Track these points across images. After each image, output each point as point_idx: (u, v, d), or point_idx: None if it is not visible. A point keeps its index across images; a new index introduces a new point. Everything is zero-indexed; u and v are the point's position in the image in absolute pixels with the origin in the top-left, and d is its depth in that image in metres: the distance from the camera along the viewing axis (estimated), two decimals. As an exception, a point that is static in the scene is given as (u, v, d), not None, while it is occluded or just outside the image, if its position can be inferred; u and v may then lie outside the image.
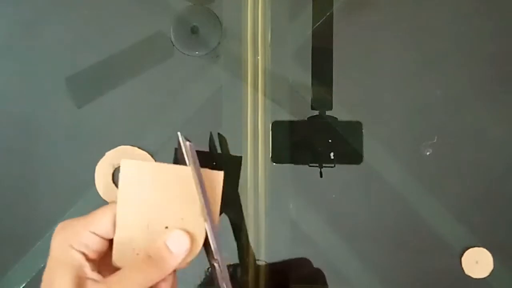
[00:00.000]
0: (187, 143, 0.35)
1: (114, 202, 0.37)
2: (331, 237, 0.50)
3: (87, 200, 0.49)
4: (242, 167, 0.49)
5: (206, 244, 0.37)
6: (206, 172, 0.38)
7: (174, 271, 0.37)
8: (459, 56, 0.50)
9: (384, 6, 0.50)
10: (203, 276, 0.49)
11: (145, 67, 0.50)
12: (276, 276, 0.49)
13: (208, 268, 0.49)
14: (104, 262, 0.37)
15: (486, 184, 0.50)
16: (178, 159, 0.41)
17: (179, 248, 0.36)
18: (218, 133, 0.49)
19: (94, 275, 0.35)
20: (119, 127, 0.50)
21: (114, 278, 0.34)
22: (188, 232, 0.36)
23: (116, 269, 0.36)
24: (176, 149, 0.42)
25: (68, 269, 0.34)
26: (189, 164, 0.36)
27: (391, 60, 0.50)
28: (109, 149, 0.49)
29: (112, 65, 0.50)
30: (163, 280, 0.36)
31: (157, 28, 0.50)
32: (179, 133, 0.38)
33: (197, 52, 0.50)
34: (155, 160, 0.49)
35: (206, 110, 0.50)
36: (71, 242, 0.35)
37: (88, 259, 0.35)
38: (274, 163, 0.50)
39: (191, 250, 0.36)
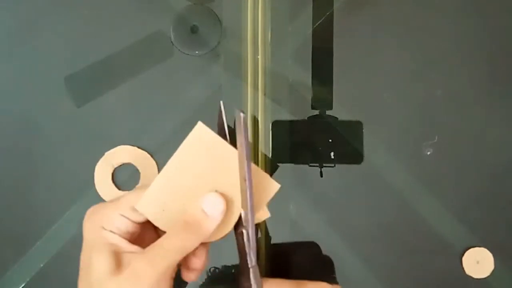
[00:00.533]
0: (241, 114, 0.35)
1: (146, 185, 0.38)
2: (331, 237, 0.49)
3: (86, 201, 0.49)
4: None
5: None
6: (265, 177, 0.39)
7: (207, 250, 0.38)
8: (460, 55, 0.50)
9: (384, 5, 0.50)
10: (204, 276, 0.49)
11: (145, 67, 0.50)
12: (276, 276, 0.48)
13: (210, 268, 0.49)
14: (140, 239, 0.38)
15: (487, 183, 0.49)
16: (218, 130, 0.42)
17: (214, 210, 0.36)
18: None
19: (131, 247, 0.36)
20: (119, 127, 0.49)
21: (151, 247, 0.35)
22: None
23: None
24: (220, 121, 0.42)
25: (103, 247, 0.35)
26: (241, 135, 0.36)
27: (391, 59, 0.50)
28: (109, 149, 0.49)
29: (111, 65, 0.50)
30: (196, 256, 0.37)
31: (157, 28, 0.50)
32: (221, 104, 0.39)
33: (197, 52, 0.50)
34: (154, 159, 0.49)
35: (206, 110, 0.49)
36: (102, 224, 0.36)
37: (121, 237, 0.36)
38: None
39: (226, 221, 0.37)
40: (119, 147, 0.49)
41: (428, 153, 0.50)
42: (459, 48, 0.50)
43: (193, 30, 0.50)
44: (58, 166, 0.49)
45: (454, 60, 0.50)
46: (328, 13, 0.50)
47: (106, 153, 0.49)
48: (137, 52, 0.50)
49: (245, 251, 0.38)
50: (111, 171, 0.49)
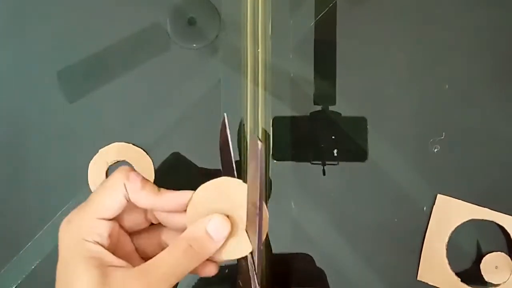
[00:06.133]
0: (259, 142, 0.34)
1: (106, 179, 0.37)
2: (334, 237, 0.49)
3: (80, 199, 0.47)
4: (242, 165, 0.49)
5: None
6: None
7: None
8: (468, 49, 0.49)
9: (390, -3, 0.50)
10: (197, 277, 0.48)
11: (141, 61, 0.49)
12: (277, 277, 0.49)
13: None
14: (117, 246, 0.36)
15: (498, 182, 0.49)
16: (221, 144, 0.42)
17: (219, 234, 0.36)
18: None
19: (119, 261, 0.34)
20: (113, 123, 0.49)
21: (148, 268, 0.33)
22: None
23: (130, 253, 0.37)
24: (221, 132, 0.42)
25: (88, 262, 0.33)
26: (257, 164, 0.35)
27: (396, 53, 0.49)
28: (103, 146, 0.48)
29: (106, 59, 0.49)
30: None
31: (153, 20, 0.49)
32: (225, 116, 0.39)
33: (194, 45, 0.49)
34: (150, 157, 0.48)
35: (204, 105, 0.49)
36: (83, 236, 0.34)
37: (104, 247, 0.34)
38: (275, 161, 0.49)
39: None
40: (113, 144, 0.48)
41: (435, 150, 0.49)
42: (467, 41, 0.49)
43: (191, 22, 0.49)
44: (50, 164, 0.49)
45: (462, 54, 0.49)
46: (330, 5, 0.49)
47: (100, 150, 0.48)
48: (132, 46, 0.49)
49: (247, 273, 0.37)
50: (105, 168, 0.48)
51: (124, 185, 0.35)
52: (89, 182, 0.48)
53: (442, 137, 0.49)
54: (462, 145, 0.49)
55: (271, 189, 0.49)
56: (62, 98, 0.49)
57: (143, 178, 0.37)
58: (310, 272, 0.49)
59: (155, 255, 0.39)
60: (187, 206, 0.37)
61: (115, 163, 0.48)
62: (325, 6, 0.49)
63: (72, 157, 0.49)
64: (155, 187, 0.37)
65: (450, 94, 0.49)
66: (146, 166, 0.48)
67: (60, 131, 0.49)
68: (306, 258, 0.49)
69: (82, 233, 0.34)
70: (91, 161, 0.48)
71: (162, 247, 0.39)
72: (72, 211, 0.36)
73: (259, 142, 0.33)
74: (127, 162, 0.48)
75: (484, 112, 0.49)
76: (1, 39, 0.49)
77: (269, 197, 0.49)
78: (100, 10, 0.49)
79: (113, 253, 0.35)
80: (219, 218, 0.36)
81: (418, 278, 0.48)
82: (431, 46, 0.49)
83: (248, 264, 0.37)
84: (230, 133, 0.41)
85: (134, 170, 0.37)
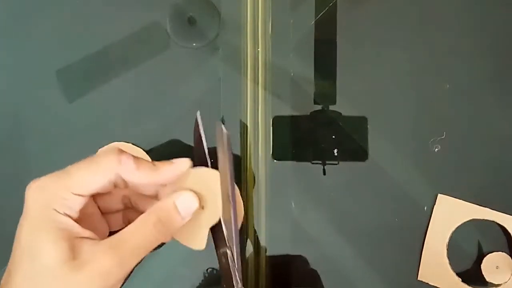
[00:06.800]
0: (225, 131, 0.34)
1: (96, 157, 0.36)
2: (334, 237, 0.49)
3: (79, 199, 0.48)
4: (242, 164, 0.49)
5: (217, 230, 0.38)
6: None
7: None
8: (469, 48, 0.49)
9: (390, -4, 0.49)
10: (201, 277, 0.48)
11: (140, 60, 0.49)
12: (277, 277, 0.48)
13: (207, 269, 0.48)
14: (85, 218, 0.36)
15: (498, 182, 0.49)
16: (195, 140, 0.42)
17: (187, 208, 0.36)
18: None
19: (87, 233, 0.34)
20: (113, 123, 0.49)
21: (118, 242, 0.33)
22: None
23: (95, 226, 0.36)
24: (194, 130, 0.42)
25: (56, 232, 0.33)
26: (225, 153, 0.35)
27: (398, 52, 0.49)
28: (102, 146, 0.48)
29: (105, 58, 0.49)
30: None
31: (153, 19, 0.49)
32: (198, 114, 0.38)
33: (194, 44, 0.49)
34: (150, 157, 0.48)
35: (203, 105, 0.48)
36: (55, 206, 0.33)
37: (72, 219, 0.34)
38: (275, 160, 0.49)
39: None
40: (112, 143, 0.48)
41: (436, 149, 0.49)
42: (467, 41, 0.49)
43: (191, 21, 0.49)
44: (49, 164, 0.47)
45: (463, 53, 0.49)
46: (330, 5, 0.49)
47: (99, 150, 0.47)
48: (132, 45, 0.49)
49: (229, 272, 0.37)
50: (104, 168, 0.48)
51: (115, 170, 0.35)
52: (88, 182, 0.48)
53: (443, 137, 0.49)
54: (462, 145, 0.49)
55: (265, 185, 0.49)
56: (62, 97, 0.49)
57: (135, 157, 0.36)
58: (308, 273, 0.49)
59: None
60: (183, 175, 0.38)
61: (114, 162, 0.48)
62: (325, 6, 0.49)
63: (71, 157, 0.47)
64: (150, 163, 0.37)
65: (450, 94, 0.49)
66: (146, 165, 0.48)
67: (59, 131, 0.49)
68: (303, 259, 0.49)
69: (53, 204, 0.34)
70: (91, 161, 0.48)
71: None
72: (46, 176, 0.35)
73: (224, 129, 0.33)
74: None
75: (485, 112, 0.49)
76: (1, 39, 0.49)
77: (268, 197, 0.49)
78: (100, 10, 0.49)
79: (81, 224, 0.34)
80: (189, 193, 0.37)
81: (419, 278, 0.48)
82: (431, 46, 0.49)
83: (227, 263, 0.37)
84: (203, 131, 0.41)
85: (124, 152, 0.36)
